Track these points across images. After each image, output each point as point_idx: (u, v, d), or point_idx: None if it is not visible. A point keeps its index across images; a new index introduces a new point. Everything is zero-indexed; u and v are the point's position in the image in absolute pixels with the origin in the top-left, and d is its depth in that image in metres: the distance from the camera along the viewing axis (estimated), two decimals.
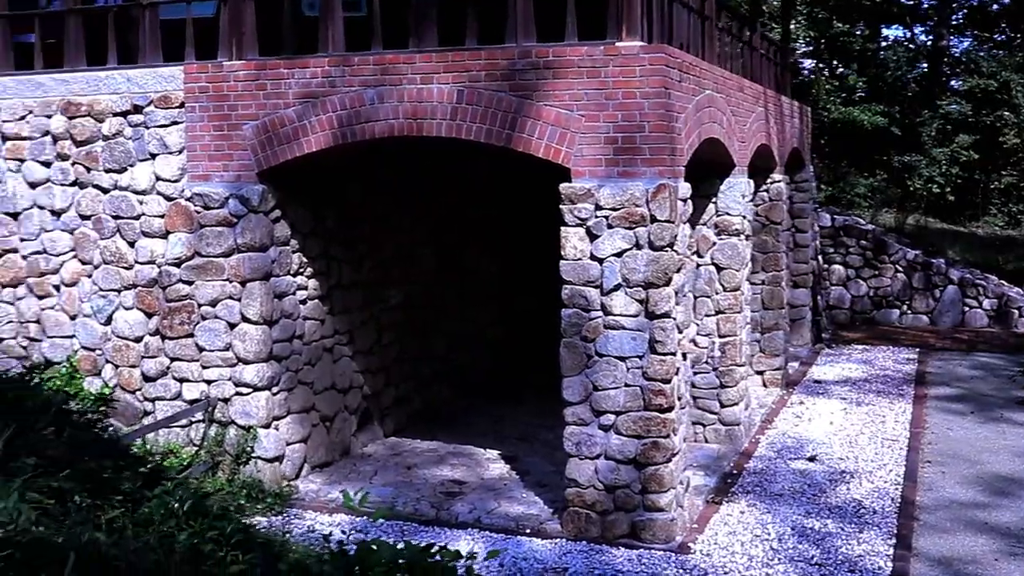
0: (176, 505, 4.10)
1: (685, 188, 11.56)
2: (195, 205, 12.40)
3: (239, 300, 12.28)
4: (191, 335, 12.51)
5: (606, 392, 11.15)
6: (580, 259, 11.14)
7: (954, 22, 37.77)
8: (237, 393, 12.36)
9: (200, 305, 12.45)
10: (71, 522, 3.97)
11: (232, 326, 12.34)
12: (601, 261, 11.08)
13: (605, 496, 11.30)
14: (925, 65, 37.30)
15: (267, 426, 12.41)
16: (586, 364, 11.22)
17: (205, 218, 12.36)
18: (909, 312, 24.85)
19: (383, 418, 15.09)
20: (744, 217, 14.91)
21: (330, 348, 13.65)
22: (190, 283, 12.46)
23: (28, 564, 3.50)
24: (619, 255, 11.01)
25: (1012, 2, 36.73)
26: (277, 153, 12.08)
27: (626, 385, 11.11)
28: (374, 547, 6.32)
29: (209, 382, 12.48)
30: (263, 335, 12.30)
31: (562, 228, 11.19)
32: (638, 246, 10.98)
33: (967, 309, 24.41)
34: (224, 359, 12.39)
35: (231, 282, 12.29)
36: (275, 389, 12.51)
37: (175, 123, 12.50)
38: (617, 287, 11.04)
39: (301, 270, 13.01)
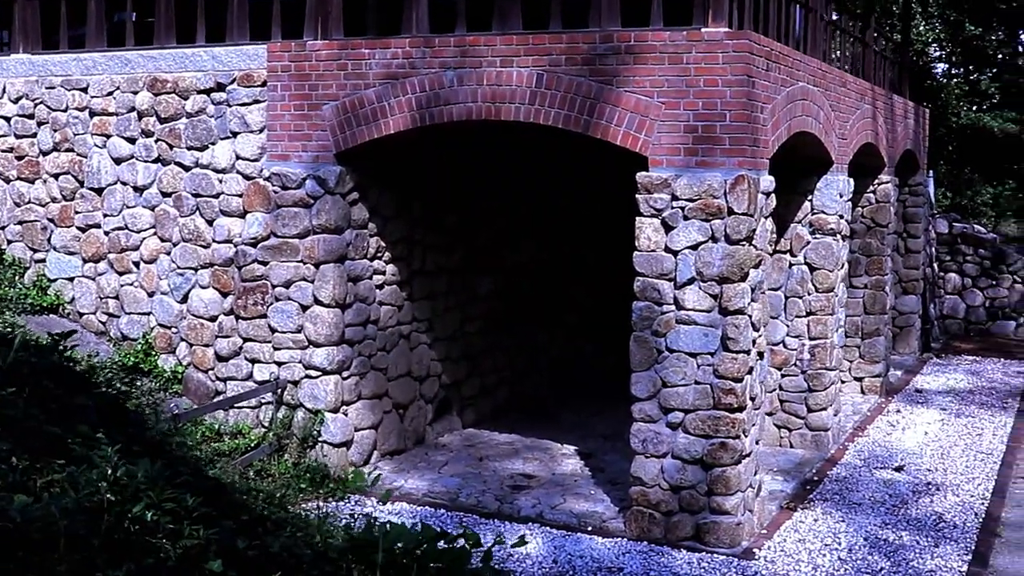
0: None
1: (768, 181, 11.14)
2: (273, 185, 12.37)
3: (312, 282, 12.20)
4: (264, 316, 12.47)
5: (675, 389, 10.80)
6: (654, 251, 10.81)
7: None
8: (306, 376, 12.28)
9: (274, 286, 12.41)
10: None
11: (304, 308, 12.27)
12: (675, 253, 10.73)
13: (670, 496, 10.95)
14: None
15: (335, 410, 12.31)
16: (656, 359, 10.88)
17: (282, 198, 12.31)
18: None
19: (463, 408, 14.91)
20: (841, 216, 14.37)
21: (407, 335, 13.50)
22: (265, 263, 12.43)
23: None
24: (694, 248, 10.65)
25: None
26: (356, 134, 11.97)
27: (696, 382, 10.75)
28: (386, 529, 6.13)
29: (280, 364, 12.42)
30: (335, 318, 12.20)
31: (636, 218, 10.87)
32: (714, 239, 10.61)
33: None
34: (295, 341, 12.32)
35: (305, 264, 12.22)
36: (345, 373, 12.41)
37: (257, 102, 12.48)
38: (691, 281, 10.68)
39: (379, 254, 12.88)
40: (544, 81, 11.14)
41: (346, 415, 12.46)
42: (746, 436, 10.91)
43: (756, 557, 10.54)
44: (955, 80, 35.03)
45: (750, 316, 10.73)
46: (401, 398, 13.44)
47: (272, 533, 5.61)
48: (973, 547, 10.93)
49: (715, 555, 10.55)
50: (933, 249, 23.65)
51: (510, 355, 15.95)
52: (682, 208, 10.68)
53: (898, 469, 13.57)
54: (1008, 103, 33.91)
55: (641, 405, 11.00)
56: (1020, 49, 37.07)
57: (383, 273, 12.99)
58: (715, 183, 10.53)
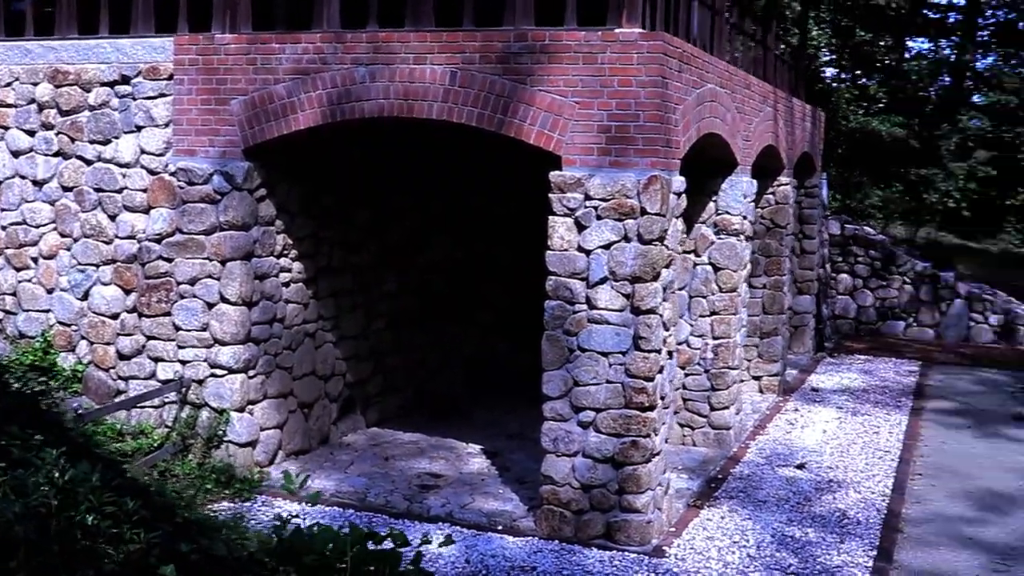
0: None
1: (679, 181, 11.24)
2: (179, 180, 12.13)
3: (219, 279, 12.00)
4: (168, 314, 12.23)
5: (587, 388, 10.84)
6: (567, 250, 10.83)
7: (980, 38, 37.30)
8: (212, 375, 12.07)
9: (179, 283, 12.17)
10: None
11: (210, 306, 12.06)
12: (588, 253, 10.76)
13: (581, 495, 10.98)
14: (947, 78, 36.87)
15: (241, 410, 12.12)
16: (568, 358, 10.91)
17: (188, 194, 12.08)
18: (915, 325, 24.48)
19: (367, 407, 14.78)
20: (744, 217, 14.57)
21: (312, 333, 13.35)
22: (170, 260, 12.18)
23: None
24: (607, 247, 10.70)
25: None
26: (265, 130, 11.79)
27: (608, 381, 10.79)
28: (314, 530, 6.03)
29: (184, 362, 12.19)
30: (241, 316, 12.01)
31: (549, 217, 10.89)
32: (627, 239, 10.66)
33: (973, 324, 24.03)
34: (200, 339, 12.11)
35: (211, 261, 12.01)
36: (251, 372, 12.22)
37: (162, 95, 12.22)
38: (603, 280, 10.72)
39: (286, 251, 12.71)
40: (458, 79, 11.09)
41: (252, 414, 12.27)
42: (656, 435, 11.00)
43: (667, 555, 10.62)
44: (845, 84, 35.77)
45: (661, 316, 10.81)
46: (306, 397, 13.29)
47: (208, 536, 5.50)
48: (877, 543, 11.16)
49: (626, 553, 10.60)
50: (826, 250, 24.13)
51: (421, 353, 15.86)
52: (595, 208, 10.71)
53: (800, 467, 13.80)
54: (895, 108, 34.74)
55: (552, 404, 11.02)
56: (906, 55, 38.01)
57: (289, 271, 12.83)
58: (628, 183, 10.59)
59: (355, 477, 12.51)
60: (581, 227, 10.78)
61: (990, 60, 38.23)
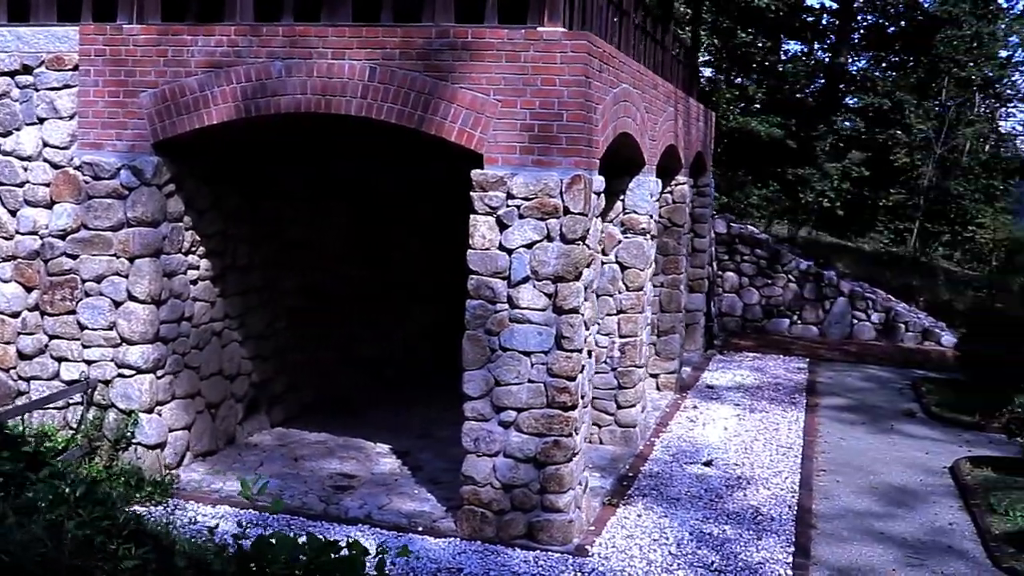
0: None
1: (599, 181, 11.27)
2: (84, 174, 11.73)
3: (126, 277, 11.63)
4: (73, 312, 11.82)
5: (508, 388, 10.79)
6: (488, 249, 10.77)
7: (853, 41, 38.25)
8: (119, 375, 11.71)
9: (84, 281, 11.77)
10: None
11: (117, 304, 11.69)
12: (510, 252, 10.72)
13: (502, 495, 10.94)
14: (823, 80, 37.73)
15: (149, 411, 11.78)
16: (489, 358, 10.85)
17: (94, 189, 11.69)
18: (799, 322, 24.97)
19: (271, 407, 14.52)
20: (651, 216, 14.69)
21: (219, 332, 13.06)
22: (74, 257, 11.77)
23: None
24: (529, 247, 10.66)
25: (907, 24, 37.35)
26: (176, 123, 11.47)
27: (530, 381, 10.77)
28: (272, 541, 5.87)
29: (90, 362, 11.80)
30: (150, 315, 11.68)
31: (471, 216, 10.81)
32: (549, 238, 10.64)
33: (856, 322, 24.60)
34: (107, 339, 11.73)
35: (119, 258, 11.63)
36: (160, 372, 11.90)
37: (67, 86, 11.80)
38: (525, 279, 10.68)
39: (193, 248, 12.39)
40: (377, 75, 10.94)
41: (160, 415, 11.94)
42: (577, 434, 11.02)
43: (590, 554, 10.64)
44: (723, 85, 36.36)
45: (583, 315, 10.83)
46: (213, 397, 12.99)
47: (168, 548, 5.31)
48: (794, 539, 11.34)
49: (550, 553, 10.60)
50: (713, 249, 24.47)
51: (322, 352, 15.63)
52: (518, 207, 10.67)
53: (707, 464, 13.96)
54: (773, 108, 35.45)
55: (473, 404, 10.95)
56: (783, 57, 38.80)
57: (197, 268, 12.52)
58: (552, 182, 10.57)
59: (267, 479, 12.26)
60: (503, 226, 10.72)
61: (863, 63, 39.30)
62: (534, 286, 10.68)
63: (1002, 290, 29.22)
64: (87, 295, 11.78)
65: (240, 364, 13.61)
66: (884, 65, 38.54)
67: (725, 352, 22.61)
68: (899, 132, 35.08)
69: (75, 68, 11.77)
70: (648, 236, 14.66)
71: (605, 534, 11.26)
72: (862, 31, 38.80)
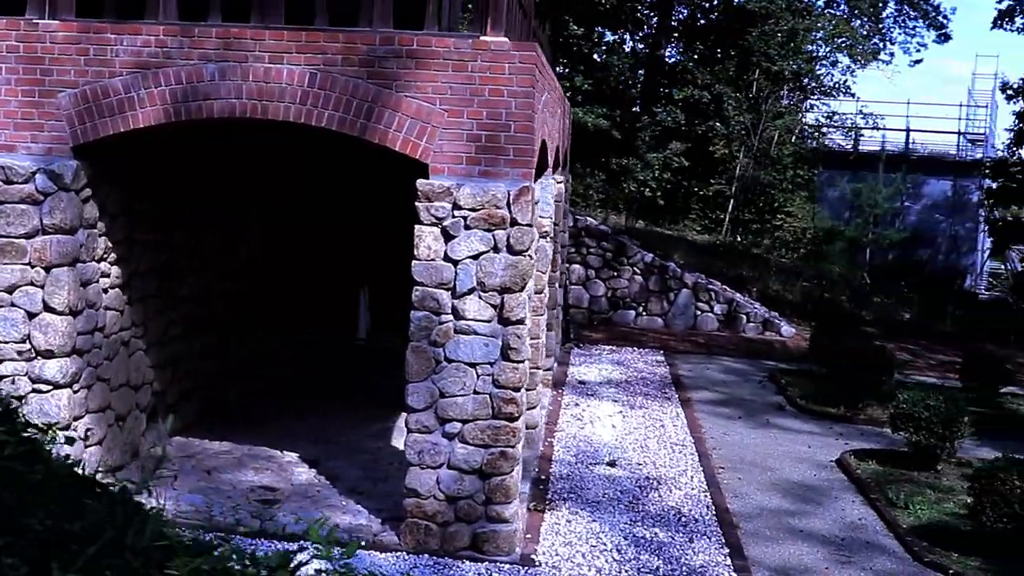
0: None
1: (537, 190, 11.30)
2: None
3: (42, 287, 11.03)
4: None
5: (454, 399, 10.74)
6: (433, 260, 10.67)
7: (671, 33, 39.24)
8: (35, 390, 11.11)
9: None
10: None
11: (32, 316, 11.07)
12: (456, 263, 10.64)
13: (446, 507, 10.87)
14: (643, 73, 38.58)
15: (67, 427, 11.22)
16: (434, 370, 10.76)
17: (6, 194, 11.01)
18: (644, 314, 25.55)
19: (167, 416, 14.01)
20: (551, 219, 14.80)
21: (127, 341, 12.53)
22: None
23: None
24: (476, 257, 10.62)
25: (721, 17, 38.54)
26: (98, 126, 10.92)
27: (475, 392, 10.74)
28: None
29: (1, 377, 11.15)
30: (68, 327, 11.09)
31: (416, 227, 10.68)
32: (496, 249, 10.62)
33: (699, 313, 25.36)
34: (21, 352, 11.10)
35: (34, 267, 11.02)
36: (76, 386, 11.35)
37: None
38: (471, 291, 10.63)
39: (106, 255, 11.85)
40: (318, 81, 10.68)
41: (76, 431, 11.38)
42: (519, 444, 11.04)
43: (538, 563, 10.69)
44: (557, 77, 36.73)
45: (527, 325, 10.85)
46: (122, 409, 12.46)
47: None
48: (724, 540, 11.63)
49: (499, 564, 10.60)
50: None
51: (207, 359, 15.14)
52: (464, 218, 10.61)
53: (611, 464, 14.17)
54: (599, 100, 36.08)
55: (417, 416, 10.84)
56: (604, 49, 39.46)
57: (108, 276, 11.98)
58: (499, 193, 10.54)
59: (187, 494, 11.84)
60: (449, 237, 10.64)
61: (678, 56, 40.34)
62: (480, 297, 10.64)
63: (825, 279, 30.58)
64: None
65: (144, 373, 13.09)
66: (696, 57, 39.62)
67: (581, 345, 22.95)
68: (718, 124, 36.22)
69: None
70: (549, 238, 14.77)
71: (544, 542, 11.32)
72: (676, 24, 39.84)
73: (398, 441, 14.35)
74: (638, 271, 25.65)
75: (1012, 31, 37.28)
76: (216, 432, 14.33)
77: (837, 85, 40.65)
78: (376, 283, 19.33)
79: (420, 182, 10.65)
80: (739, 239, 36.46)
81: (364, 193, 18.19)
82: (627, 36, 39.73)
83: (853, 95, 41.42)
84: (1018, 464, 11.77)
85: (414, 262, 10.70)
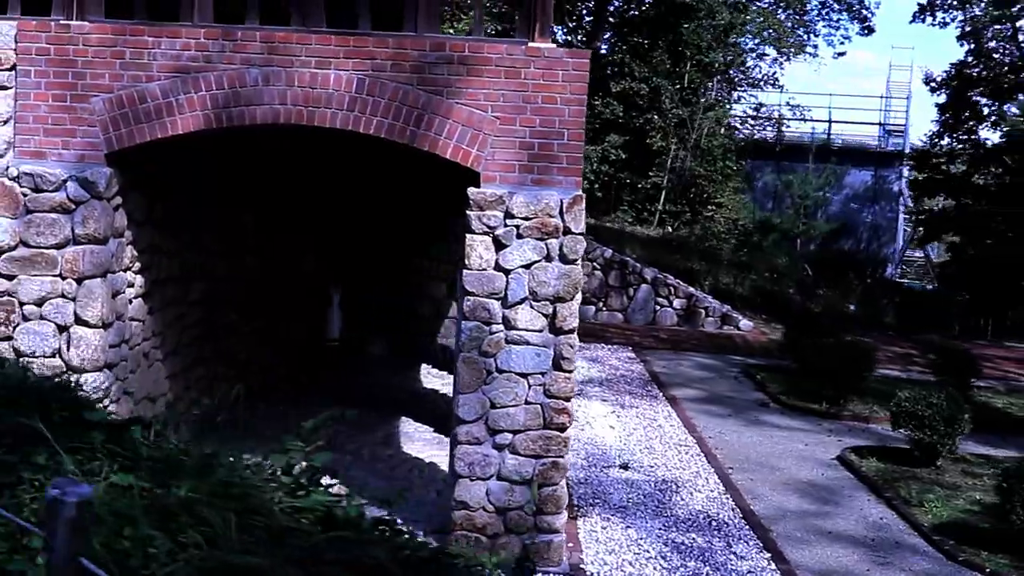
0: None
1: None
2: (22, 186, 10.57)
3: (74, 300, 10.62)
4: (10, 338, 10.66)
5: (505, 410, 10.61)
6: (485, 269, 10.52)
7: (606, 25, 39.34)
8: None
9: (23, 304, 10.65)
10: None
11: (62, 329, 10.66)
12: (507, 272, 10.51)
13: (496, 518, 10.75)
14: None
15: None
16: (484, 380, 10.62)
17: (36, 202, 10.57)
18: (604, 309, 25.60)
19: (178, 427, 13.58)
20: None
21: (147, 352, 12.15)
22: (11, 278, 10.60)
23: None
24: (528, 267, 10.49)
25: (654, 9, 38.73)
26: (135, 132, 10.52)
27: (527, 403, 10.62)
28: None
29: None
30: (101, 340, 10.71)
31: (467, 236, 10.52)
32: (549, 258, 10.51)
33: (658, 308, 25.48)
34: (51, 367, 10.66)
35: (65, 279, 10.60)
36: (106, 402, 10.94)
37: (3, 88, 10.60)
38: (523, 300, 10.51)
39: (131, 264, 11.47)
40: (366, 87, 10.43)
41: None
42: (568, 453, 10.96)
43: (589, 573, 10.64)
44: None
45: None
46: None
47: None
48: (762, 545, 11.68)
49: (551, 575, 10.52)
50: None
51: (213, 366, 14.76)
52: (517, 226, 10.47)
53: (624, 467, 14.15)
54: None
55: (468, 427, 10.69)
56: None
57: (133, 285, 11.59)
58: (552, 202, 10.43)
59: None
60: (501, 246, 10.50)
61: (611, 48, 40.45)
62: (532, 306, 10.52)
63: (776, 272, 30.95)
64: (26, 319, 10.66)
65: (162, 384, 12.71)
66: (627, 49, 39.74)
67: None
68: (655, 116, 36.43)
69: (12, 68, 10.58)
70: None
71: (587, 550, 11.27)
72: (611, 17, 39.94)
73: (409, 448, 14.23)
74: (598, 266, 25.68)
75: (934, 25, 38.11)
76: (215, 441, 13.91)
77: (765, 77, 41.12)
78: (350, 283, 19.03)
79: (471, 191, 10.49)
80: (671, 230, 36.74)
81: (340, 191, 17.93)
82: (562, 29, 39.66)
83: (781, 87, 41.97)
84: None
85: (464, 272, 10.53)
